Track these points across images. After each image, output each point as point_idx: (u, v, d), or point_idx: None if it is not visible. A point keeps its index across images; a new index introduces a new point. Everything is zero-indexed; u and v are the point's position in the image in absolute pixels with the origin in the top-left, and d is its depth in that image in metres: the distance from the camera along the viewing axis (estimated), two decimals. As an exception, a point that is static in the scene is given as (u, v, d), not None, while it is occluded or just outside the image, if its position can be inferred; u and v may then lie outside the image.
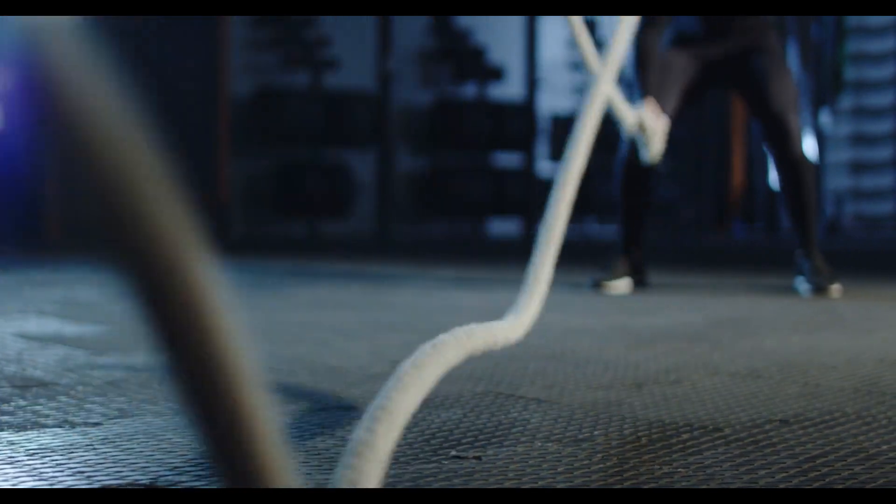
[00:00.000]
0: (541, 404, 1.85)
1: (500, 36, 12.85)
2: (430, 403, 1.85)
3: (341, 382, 2.08)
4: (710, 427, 1.66)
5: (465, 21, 12.61)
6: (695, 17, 4.49)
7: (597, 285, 4.42)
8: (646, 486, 1.32)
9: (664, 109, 4.43)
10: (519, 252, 8.88)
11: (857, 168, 14.00)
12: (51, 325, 3.02)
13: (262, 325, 3.15)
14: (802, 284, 4.32)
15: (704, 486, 1.32)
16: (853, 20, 13.78)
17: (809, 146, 12.26)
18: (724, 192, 13.97)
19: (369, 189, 11.75)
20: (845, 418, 1.74)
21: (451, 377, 2.14)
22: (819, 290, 4.23)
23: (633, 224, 4.58)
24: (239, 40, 11.17)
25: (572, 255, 8.40)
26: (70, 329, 2.93)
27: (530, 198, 12.50)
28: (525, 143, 12.58)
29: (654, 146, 4.23)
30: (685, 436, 1.60)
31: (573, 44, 13.74)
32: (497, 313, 3.14)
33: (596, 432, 1.63)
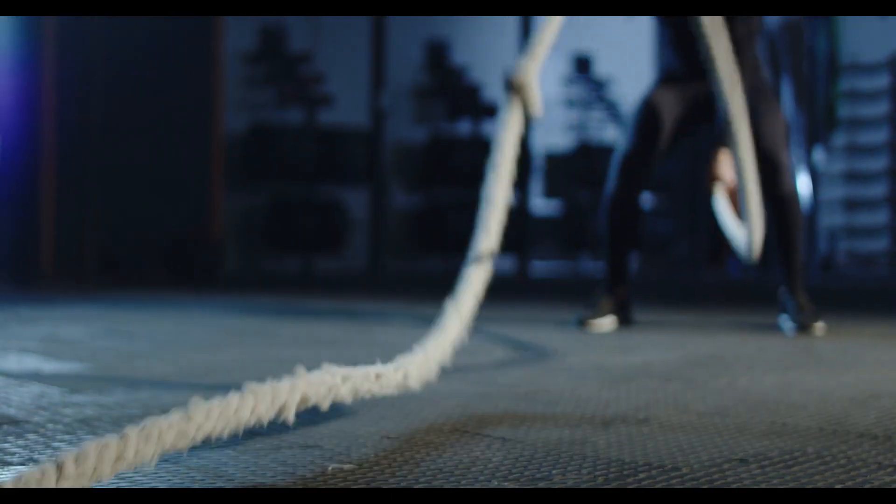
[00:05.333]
0: (505, 443, 1.87)
1: (494, 73, 12.91)
2: (394, 441, 1.87)
3: (309, 419, 2.09)
4: (669, 466, 1.67)
5: (460, 58, 12.67)
6: (676, 55, 4.52)
7: (581, 323, 4.44)
8: (595, 526, 1.33)
9: (653, 148, 4.45)
10: (510, 290, 8.89)
11: (851, 205, 14.03)
12: (30, 363, 3.03)
13: (238, 361, 3.16)
14: (786, 322, 4.33)
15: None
16: (847, 58, 13.85)
17: (803, 183, 12.30)
18: (719, 229, 14.00)
19: (363, 225, 11.77)
20: (805, 458, 1.75)
21: (420, 415, 2.15)
22: (802, 328, 4.24)
23: (619, 261, 4.60)
24: (233, 77, 11.22)
25: (564, 291, 8.43)
26: (49, 366, 2.94)
27: (524, 235, 12.53)
28: (519, 181, 12.60)
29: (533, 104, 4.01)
30: (642, 475, 1.61)
31: (568, 81, 13.74)
32: (478, 352, 3.17)
33: (554, 472, 1.64)
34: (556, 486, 1.53)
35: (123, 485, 1.53)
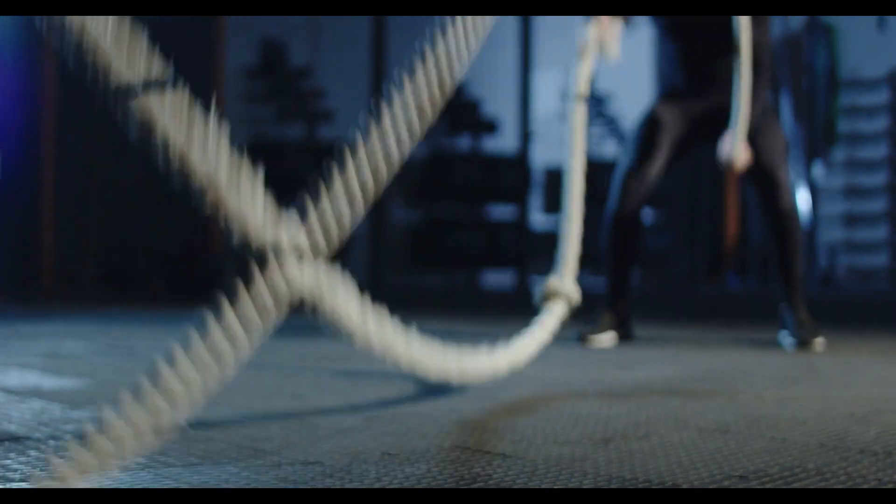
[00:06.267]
0: (505, 459, 1.87)
1: (493, 89, 12.93)
2: (395, 458, 1.87)
3: (311, 436, 2.09)
4: (669, 483, 1.68)
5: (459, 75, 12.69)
6: (681, 71, 4.53)
7: (582, 339, 4.44)
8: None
9: (654, 166, 4.46)
10: (511, 304, 8.90)
11: (851, 220, 14.04)
12: (31, 379, 3.04)
13: (239, 378, 3.16)
14: (786, 338, 4.34)
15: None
16: (846, 73, 13.87)
17: (802, 198, 12.31)
18: (718, 243, 14.01)
19: (362, 240, 11.78)
20: (805, 474, 1.76)
21: (421, 431, 2.16)
22: (802, 343, 4.24)
23: (619, 277, 4.60)
24: (233, 92, 11.24)
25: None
26: (50, 382, 2.95)
27: (524, 250, 12.54)
28: (519, 196, 12.62)
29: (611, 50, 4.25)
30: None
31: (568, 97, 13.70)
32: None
33: (555, 488, 1.64)
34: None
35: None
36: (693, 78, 4.51)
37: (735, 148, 4.27)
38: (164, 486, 1.63)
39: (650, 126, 4.51)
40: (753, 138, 4.41)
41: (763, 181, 4.40)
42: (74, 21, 1.33)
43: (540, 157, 13.41)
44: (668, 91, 4.59)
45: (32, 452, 1.90)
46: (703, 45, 4.45)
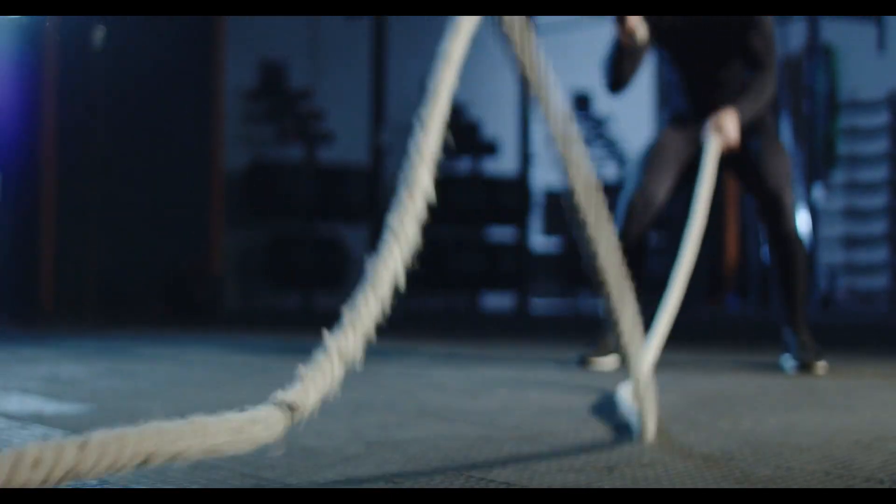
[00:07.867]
0: (510, 488, 1.86)
1: (493, 111, 12.94)
2: (399, 486, 1.86)
3: (314, 465, 2.08)
4: (675, 513, 1.67)
5: (459, 96, 12.71)
6: (686, 99, 4.54)
7: (583, 361, 4.43)
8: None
9: (660, 191, 4.47)
10: (511, 327, 8.89)
11: (851, 242, 14.04)
12: (32, 404, 3.02)
13: (240, 401, 3.15)
14: (788, 361, 4.33)
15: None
16: (846, 95, 13.90)
17: (803, 221, 12.32)
18: (718, 265, 14.01)
19: (362, 262, 11.77)
20: None
21: (424, 459, 2.15)
22: (804, 367, 4.23)
23: (621, 300, 4.59)
24: (233, 113, 11.25)
25: (565, 329, 8.43)
26: (51, 407, 2.94)
27: (524, 272, 12.53)
28: (519, 218, 12.62)
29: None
30: (649, 522, 1.60)
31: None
32: (480, 393, 3.17)
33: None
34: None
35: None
36: (698, 105, 4.53)
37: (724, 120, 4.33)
38: (168, 516, 1.62)
39: (657, 151, 4.52)
40: (759, 164, 4.41)
41: (767, 204, 4.40)
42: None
43: (540, 179, 13.42)
44: (675, 118, 4.61)
45: (34, 480, 1.89)
46: (706, 73, 4.48)
